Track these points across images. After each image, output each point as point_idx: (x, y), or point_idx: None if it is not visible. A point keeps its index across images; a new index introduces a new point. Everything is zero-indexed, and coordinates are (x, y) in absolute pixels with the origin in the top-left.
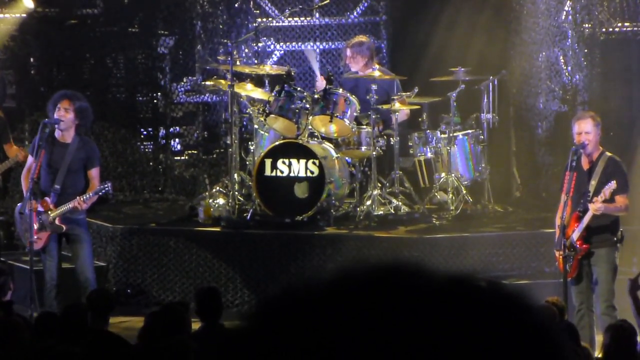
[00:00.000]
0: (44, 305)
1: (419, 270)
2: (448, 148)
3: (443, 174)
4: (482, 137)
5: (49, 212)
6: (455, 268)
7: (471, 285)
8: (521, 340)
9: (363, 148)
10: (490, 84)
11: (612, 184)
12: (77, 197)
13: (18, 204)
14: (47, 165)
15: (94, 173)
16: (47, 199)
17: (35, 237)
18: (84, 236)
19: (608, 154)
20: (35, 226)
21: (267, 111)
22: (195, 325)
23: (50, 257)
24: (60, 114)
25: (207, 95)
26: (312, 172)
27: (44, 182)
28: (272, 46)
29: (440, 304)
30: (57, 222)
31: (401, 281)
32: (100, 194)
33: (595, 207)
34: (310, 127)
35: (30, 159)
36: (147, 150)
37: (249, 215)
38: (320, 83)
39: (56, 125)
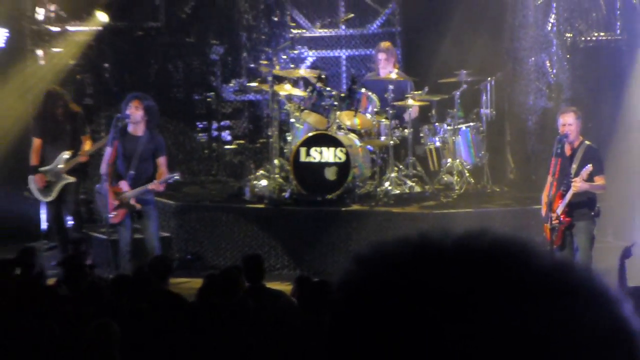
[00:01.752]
0: (119, 269)
1: (532, 249)
2: (453, 138)
3: (449, 160)
4: (482, 128)
5: (126, 194)
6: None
7: (574, 274)
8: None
9: (382, 138)
10: (488, 84)
11: (588, 167)
12: (153, 182)
13: (97, 185)
14: (122, 155)
15: (162, 161)
16: (123, 182)
17: (114, 213)
18: (152, 213)
19: (587, 142)
20: (116, 203)
21: (302, 107)
22: None
23: (125, 229)
24: (131, 111)
25: (251, 94)
26: (339, 158)
27: (120, 169)
28: (305, 53)
29: (549, 286)
30: (132, 202)
31: (519, 259)
32: (169, 181)
33: (578, 185)
34: (338, 120)
35: (108, 149)
36: (202, 140)
37: (287, 194)
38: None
39: (127, 120)
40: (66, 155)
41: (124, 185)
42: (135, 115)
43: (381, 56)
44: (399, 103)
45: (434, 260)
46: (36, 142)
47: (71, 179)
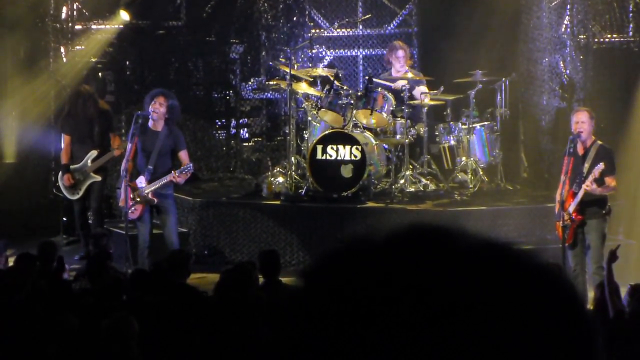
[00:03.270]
0: (137, 263)
1: (460, 233)
2: (468, 137)
3: (464, 158)
4: (496, 127)
5: (143, 188)
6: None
7: (509, 250)
8: (555, 309)
9: (398, 136)
10: (503, 84)
11: (600, 166)
12: (171, 173)
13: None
14: (141, 150)
15: (183, 155)
16: (141, 177)
17: (132, 208)
18: (171, 208)
19: (599, 142)
20: (134, 199)
21: (319, 106)
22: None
23: (144, 224)
24: (155, 107)
25: (270, 92)
26: (355, 156)
27: (139, 164)
28: (323, 52)
29: (479, 264)
30: (150, 195)
31: (445, 242)
32: (184, 172)
33: (588, 185)
34: (354, 119)
35: (128, 145)
36: (221, 137)
37: (304, 191)
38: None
39: (149, 116)
40: (94, 154)
41: (142, 180)
42: (158, 112)
43: (386, 53)
44: (414, 102)
45: (366, 258)
46: (66, 139)
47: (98, 178)
